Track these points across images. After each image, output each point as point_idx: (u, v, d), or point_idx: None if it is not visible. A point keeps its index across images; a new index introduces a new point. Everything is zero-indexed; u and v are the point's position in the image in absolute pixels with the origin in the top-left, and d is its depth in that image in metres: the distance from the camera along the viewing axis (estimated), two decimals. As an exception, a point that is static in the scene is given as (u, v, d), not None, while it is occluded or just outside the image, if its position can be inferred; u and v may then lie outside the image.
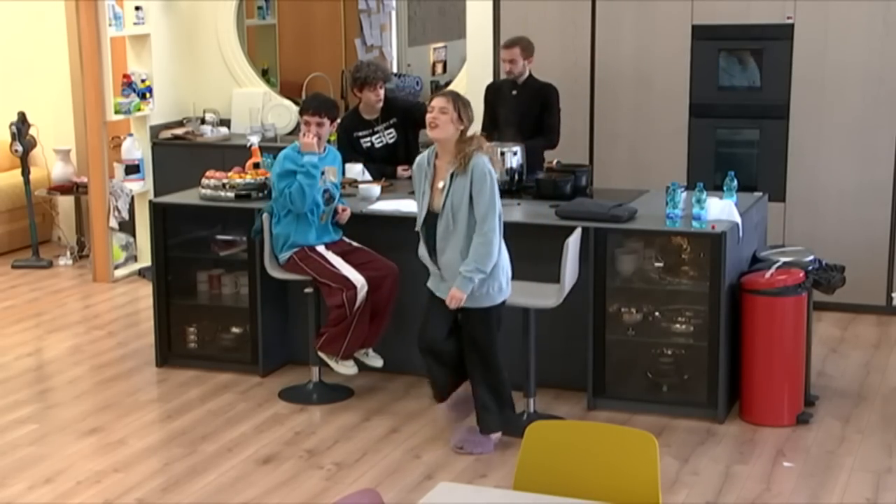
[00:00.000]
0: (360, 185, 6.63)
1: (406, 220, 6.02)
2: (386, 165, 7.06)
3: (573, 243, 5.59)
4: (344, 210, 6.17)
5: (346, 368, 6.11)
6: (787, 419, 5.77)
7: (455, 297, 5.25)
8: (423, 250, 5.45)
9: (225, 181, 6.56)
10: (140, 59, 8.96)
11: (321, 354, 6.11)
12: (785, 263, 5.85)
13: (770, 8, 7.51)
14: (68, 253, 9.24)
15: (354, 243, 6.20)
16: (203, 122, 9.36)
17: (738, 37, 7.64)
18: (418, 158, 5.45)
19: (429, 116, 5.29)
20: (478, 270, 5.20)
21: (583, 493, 3.30)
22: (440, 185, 5.29)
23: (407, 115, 7.13)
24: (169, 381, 6.55)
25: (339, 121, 6.65)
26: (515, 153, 6.66)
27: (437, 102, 5.32)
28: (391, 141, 7.12)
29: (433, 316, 5.47)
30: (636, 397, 6.01)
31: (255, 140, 7.63)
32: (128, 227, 8.95)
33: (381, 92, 6.97)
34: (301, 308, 6.36)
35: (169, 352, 6.76)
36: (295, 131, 9.21)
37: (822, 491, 5.08)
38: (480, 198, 5.19)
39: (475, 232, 5.22)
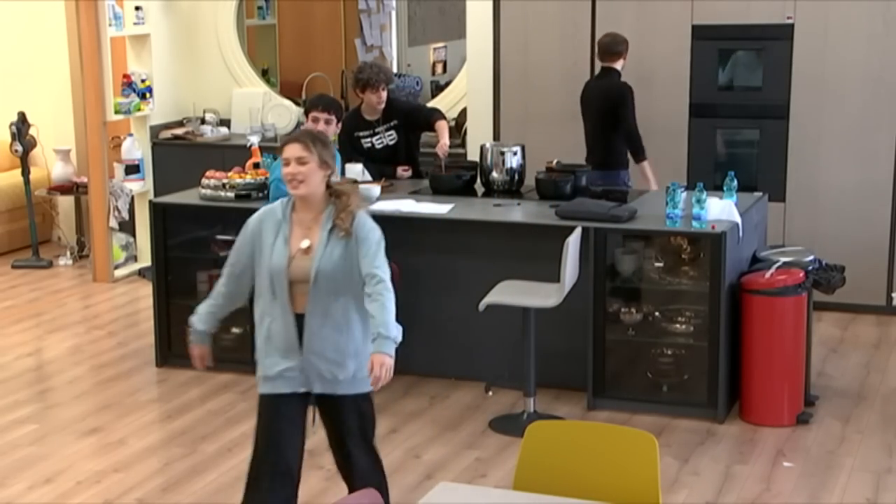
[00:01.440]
0: (360, 186, 6.61)
1: (406, 221, 6.07)
2: (385, 166, 7.05)
3: (573, 243, 5.59)
4: None
5: None
6: (787, 419, 5.77)
7: (386, 363, 4.07)
8: (285, 328, 4.17)
9: (225, 181, 6.56)
10: (140, 59, 8.96)
11: None
12: (785, 263, 5.85)
13: (770, 8, 7.50)
14: (68, 253, 9.24)
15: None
16: (203, 122, 9.36)
17: (738, 37, 7.64)
18: (266, 209, 4.25)
19: (286, 171, 4.12)
20: (396, 333, 4.09)
21: (583, 493, 3.31)
22: (304, 245, 4.13)
23: (408, 119, 7.12)
24: (169, 381, 6.55)
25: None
26: (515, 153, 6.67)
27: (291, 151, 4.10)
28: (391, 142, 7.11)
29: (288, 424, 4.23)
30: (636, 397, 6.01)
31: (255, 140, 7.62)
32: (128, 227, 8.95)
33: (384, 94, 6.96)
34: (301, 308, 6.36)
35: (169, 352, 6.76)
36: (295, 131, 9.21)
37: (822, 491, 5.08)
38: (376, 259, 4.11)
39: (371, 286, 4.08)
